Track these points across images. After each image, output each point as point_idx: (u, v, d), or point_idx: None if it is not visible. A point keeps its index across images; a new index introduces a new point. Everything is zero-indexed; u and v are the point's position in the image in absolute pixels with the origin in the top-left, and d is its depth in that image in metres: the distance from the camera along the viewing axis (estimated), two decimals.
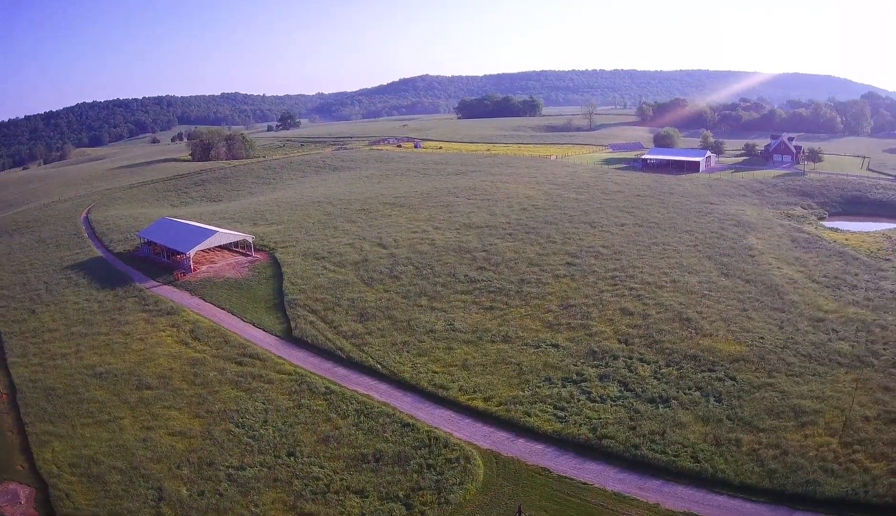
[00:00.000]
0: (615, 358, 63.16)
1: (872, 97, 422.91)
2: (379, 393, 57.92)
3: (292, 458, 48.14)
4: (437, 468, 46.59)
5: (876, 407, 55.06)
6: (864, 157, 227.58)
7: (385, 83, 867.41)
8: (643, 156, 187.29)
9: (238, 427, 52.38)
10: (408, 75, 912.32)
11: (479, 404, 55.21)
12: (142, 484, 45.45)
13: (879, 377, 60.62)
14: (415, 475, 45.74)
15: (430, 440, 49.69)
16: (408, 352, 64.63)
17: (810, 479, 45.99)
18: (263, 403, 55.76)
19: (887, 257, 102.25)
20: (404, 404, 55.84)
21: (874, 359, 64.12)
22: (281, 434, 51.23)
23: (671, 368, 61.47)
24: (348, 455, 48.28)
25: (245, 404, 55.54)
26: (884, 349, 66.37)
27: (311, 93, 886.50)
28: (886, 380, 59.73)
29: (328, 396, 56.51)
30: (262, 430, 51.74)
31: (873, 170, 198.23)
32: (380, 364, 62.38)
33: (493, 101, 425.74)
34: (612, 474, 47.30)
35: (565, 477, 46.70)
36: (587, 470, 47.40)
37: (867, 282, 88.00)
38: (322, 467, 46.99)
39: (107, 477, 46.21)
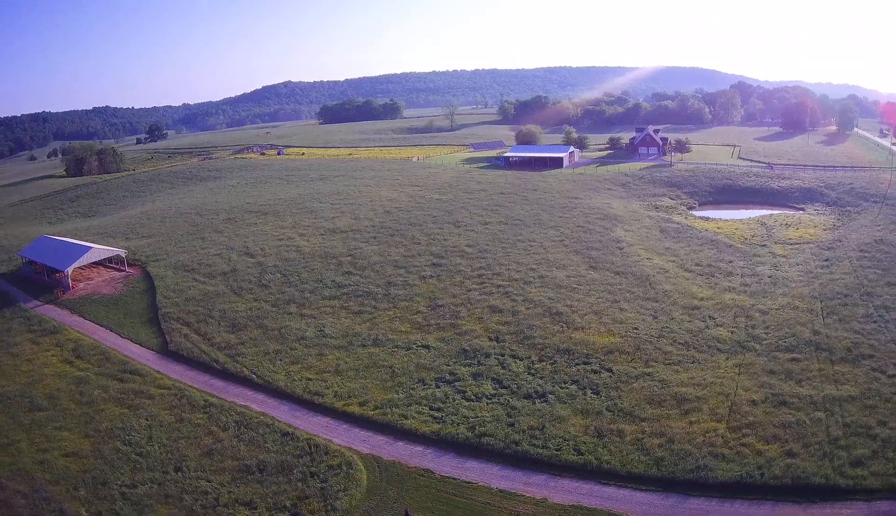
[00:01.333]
0: (487, 355, 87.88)
1: (742, 86, 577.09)
2: (256, 403, 79.67)
3: (180, 473, 65.87)
4: (321, 475, 64.23)
5: (762, 390, 79.19)
6: (735, 146, 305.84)
7: (249, 91, 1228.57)
8: (505, 154, 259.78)
9: (125, 444, 71.67)
10: (270, 82, 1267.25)
11: (356, 409, 76.31)
12: (45, 508, 61.82)
13: (763, 361, 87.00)
14: (299, 484, 62.97)
15: (310, 448, 68.50)
16: (281, 360, 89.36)
17: (700, 465, 65.18)
18: (147, 419, 76.22)
19: (762, 243, 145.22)
20: (282, 413, 76.92)
21: (756, 344, 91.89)
22: (167, 449, 70.15)
23: (545, 363, 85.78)
24: (233, 467, 66.27)
25: (130, 421, 75.99)
26: (765, 333, 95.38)
27: (178, 104, 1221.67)
28: (770, 364, 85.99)
29: (208, 409, 77.58)
30: (148, 447, 70.73)
31: (744, 158, 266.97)
32: (255, 374, 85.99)
33: (355, 105, 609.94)
34: (496, 472, 65.26)
35: (449, 478, 64.49)
36: (470, 470, 65.76)
37: (743, 268, 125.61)
38: (209, 481, 64.46)
39: (12, 501, 62.60)
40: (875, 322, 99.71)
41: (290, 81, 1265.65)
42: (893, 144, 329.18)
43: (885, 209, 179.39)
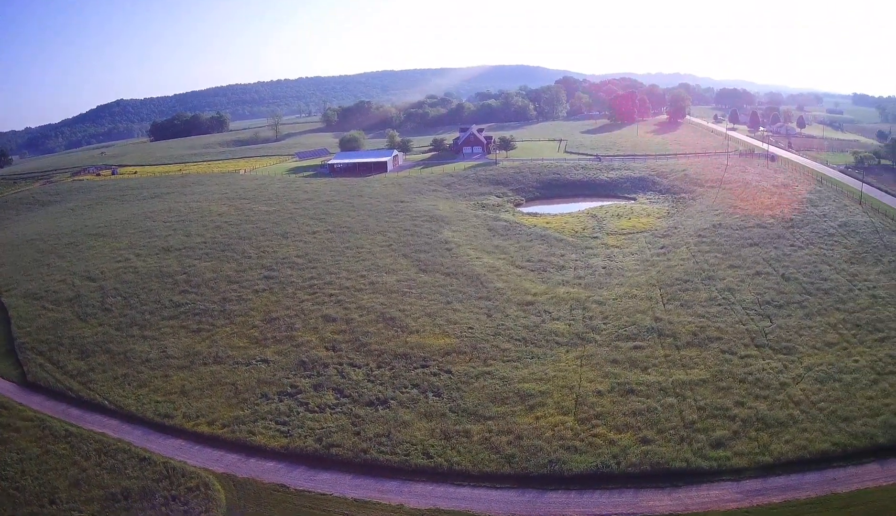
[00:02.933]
0: (326, 366, 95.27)
1: (568, 81, 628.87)
2: (112, 429, 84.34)
3: (54, 506, 69.80)
4: (181, 498, 69.25)
5: (607, 380, 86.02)
6: (561, 140, 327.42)
7: (84, 111, 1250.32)
8: (330, 162, 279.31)
9: (2, 479, 74.82)
10: (104, 102, 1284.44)
11: (205, 429, 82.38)
12: None
13: (605, 351, 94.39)
14: (163, 508, 67.81)
15: (168, 471, 73.49)
16: (129, 384, 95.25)
17: (553, 459, 70.63)
18: (17, 453, 79.92)
19: (594, 235, 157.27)
20: (137, 438, 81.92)
21: (596, 335, 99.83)
22: (39, 482, 73.95)
23: (383, 369, 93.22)
24: (100, 496, 70.76)
25: (3, 456, 79.52)
26: (604, 324, 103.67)
27: (21, 128, 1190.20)
28: (612, 354, 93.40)
29: (69, 439, 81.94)
30: (22, 481, 74.39)
31: (571, 152, 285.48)
32: (106, 400, 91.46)
33: (183, 120, 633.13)
34: (348, 481, 71.15)
35: (303, 491, 69.83)
36: (323, 482, 71.37)
37: (575, 261, 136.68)
38: (80, 512, 68.56)
39: None
40: (720, 305, 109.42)
41: (122, 99, 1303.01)
42: (729, 129, 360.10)
43: (722, 193, 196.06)
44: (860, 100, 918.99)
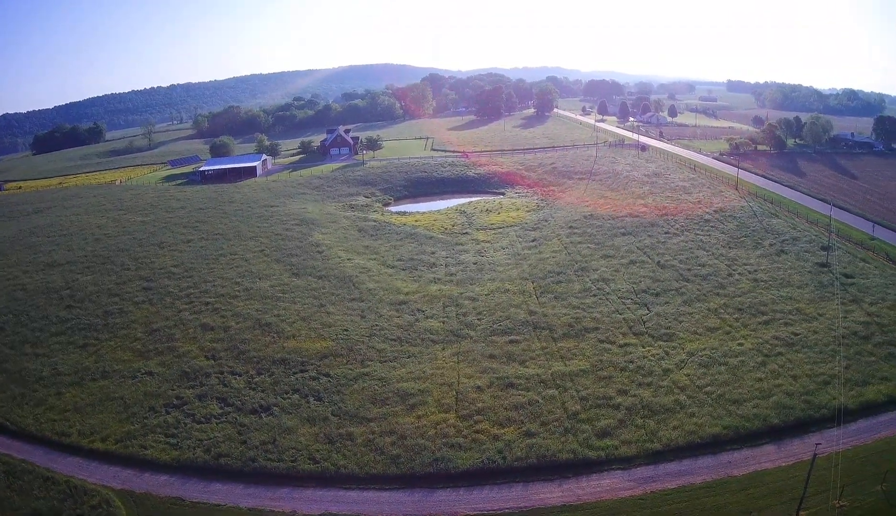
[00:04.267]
0: (207, 375, 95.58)
1: (434, 78, 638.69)
2: (16, 450, 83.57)
3: None
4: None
5: (485, 376, 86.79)
6: (428, 138, 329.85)
7: None
8: (201, 169, 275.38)
9: None
10: None
11: (100, 445, 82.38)
12: None
13: (480, 347, 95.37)
14: None
15: (70, 490, 73.73)
16: (27, 403, 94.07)
17: (438, 457, 71.28)
18: None
19: (464, 231, 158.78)
20: (39, 457, 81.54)
21: (471, 331, 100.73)
22: None
23: (263, 376, 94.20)
24: None
25: None
26: (478, 320, 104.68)
27: None
28: (489, 349, 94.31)
29: None
30: None
31: (438, 150, 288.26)
32: (7, 420, 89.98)
33: (63, 132, 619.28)
34: (240, 491, 71.87)
35: (198, 503, 70.46)
36: (215, 492, 72.03)
37: (446, 258, 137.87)
38: None
39: None
40: (595, 295, 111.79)
41: (6, 113, 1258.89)
42: (598, 121, 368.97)
43: (592, 185, 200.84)
44: (735, 86, 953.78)
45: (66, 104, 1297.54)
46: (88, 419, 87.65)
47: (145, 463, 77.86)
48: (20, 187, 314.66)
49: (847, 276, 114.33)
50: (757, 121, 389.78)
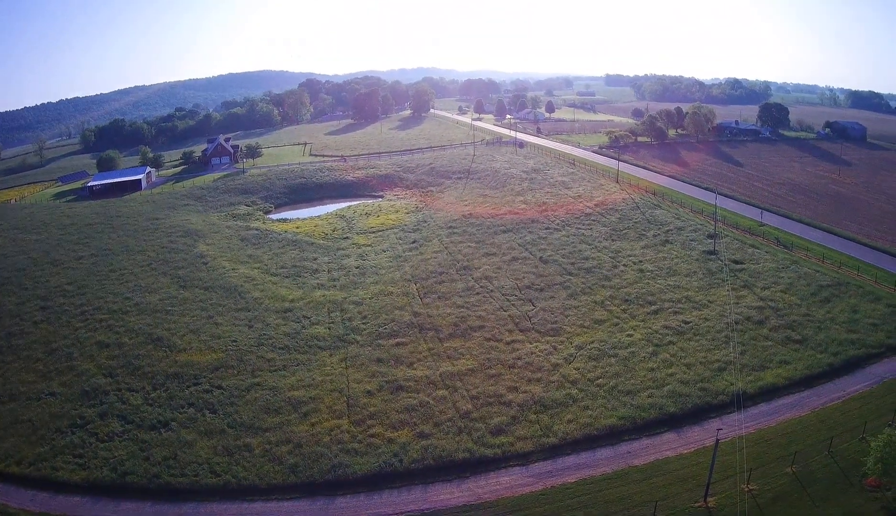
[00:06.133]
0: (106, 393, 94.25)
1: (311, 84, 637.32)
2: None
3: None
4: None
5: (374, 380, 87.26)
6: (307, 144, 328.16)
7: None
8: (89, 184, 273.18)
9: None
10: None
11: (15, 469, 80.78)
12: None
13: (367, 351, 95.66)
14: None
15: None
16: None
17: (336, 464, 71.26)
18: None
19: (345, 236, 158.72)
20: None
21: (357, 336, 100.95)
22: None
23: (159, 391, 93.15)
24: None
25: None
26: (364, 324, 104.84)
27: None
28: (376, 352, 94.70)
29: None
30: None
31: (316, 155, 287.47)
32: None
33: None
34: (148, 509, 70.93)
35: None
36: (125, 512, 71.06)
37: (328, 263, 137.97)
38: None
39: None
40: (478, 294, 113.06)
41: None
42: (475, 120, 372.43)
43: (471, 183, 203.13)
44: (613, 80, 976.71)
45: None
46: (2, 443, 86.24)
47: (58, 485, 76.88)
48: None
49: (736, 263, 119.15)
50: (637, 113, 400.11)
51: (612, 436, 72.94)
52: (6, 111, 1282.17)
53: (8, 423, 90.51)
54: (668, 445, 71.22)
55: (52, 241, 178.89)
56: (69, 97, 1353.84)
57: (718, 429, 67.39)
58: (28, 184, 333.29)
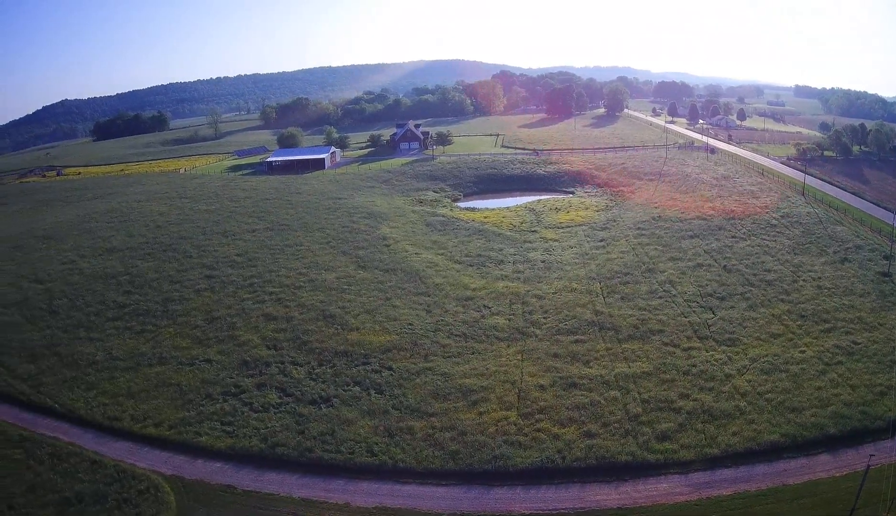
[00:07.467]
0: (268, 365, 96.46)
1: (505, 75, 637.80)
2: (63, 433, 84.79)
3: (13, 512, 69.74)
4: (133, 501, 70.04)
5: (548, 375, 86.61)
6: (498, 135, 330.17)
7: (30, 112, 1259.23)
8: (268, 159, 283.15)
9: None
10: (48, 102, 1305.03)
11: (152, 431, 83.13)
12: None
13: (545, 345, 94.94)
14: (115, 512, 68.68)
15: (118, 474, 74.55)
16: (78, 387, 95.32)
17: (497, 455, 71.11)
18: None
19: (532, 229, 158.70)
20: (87, 441, 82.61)
21: (536, 329, 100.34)
22: None
23: (324, 367, 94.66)
24: (55, 500, 70.90)
25: None
26: (544, 318, 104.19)
27: None
28: (553, 348, 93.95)
29: (23, 443, 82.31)
30: None
31: (508, 147, 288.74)
32: (57, 403, 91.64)
33: (125, 119, 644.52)
34: (294, 480, 72.08)
35: (251, 492, 70.88)
36: (269, 482, 72.38)
37: (514, 255, 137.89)
38: None
39: None
40: (661, 297, 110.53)
41: (66, 100, 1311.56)
42: (668, 123, 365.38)
43: (662, 186, 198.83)
44: (802, 91, 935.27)
45: (129, 92, 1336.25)
46: (142, 404, 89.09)
47: (199, 450, 78.80)
48: (80, 173, 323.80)
49: None
50: (823, 126, 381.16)
51: (772, 453, 70.06)
52: (176, 82, 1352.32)
53: (153, 386, 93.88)
54: (822, 466, 67.93)
55: (223, 212, 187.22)
56: (248, 73, 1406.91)
57: (871, 455, 63.81)
58: (200, 155, 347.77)
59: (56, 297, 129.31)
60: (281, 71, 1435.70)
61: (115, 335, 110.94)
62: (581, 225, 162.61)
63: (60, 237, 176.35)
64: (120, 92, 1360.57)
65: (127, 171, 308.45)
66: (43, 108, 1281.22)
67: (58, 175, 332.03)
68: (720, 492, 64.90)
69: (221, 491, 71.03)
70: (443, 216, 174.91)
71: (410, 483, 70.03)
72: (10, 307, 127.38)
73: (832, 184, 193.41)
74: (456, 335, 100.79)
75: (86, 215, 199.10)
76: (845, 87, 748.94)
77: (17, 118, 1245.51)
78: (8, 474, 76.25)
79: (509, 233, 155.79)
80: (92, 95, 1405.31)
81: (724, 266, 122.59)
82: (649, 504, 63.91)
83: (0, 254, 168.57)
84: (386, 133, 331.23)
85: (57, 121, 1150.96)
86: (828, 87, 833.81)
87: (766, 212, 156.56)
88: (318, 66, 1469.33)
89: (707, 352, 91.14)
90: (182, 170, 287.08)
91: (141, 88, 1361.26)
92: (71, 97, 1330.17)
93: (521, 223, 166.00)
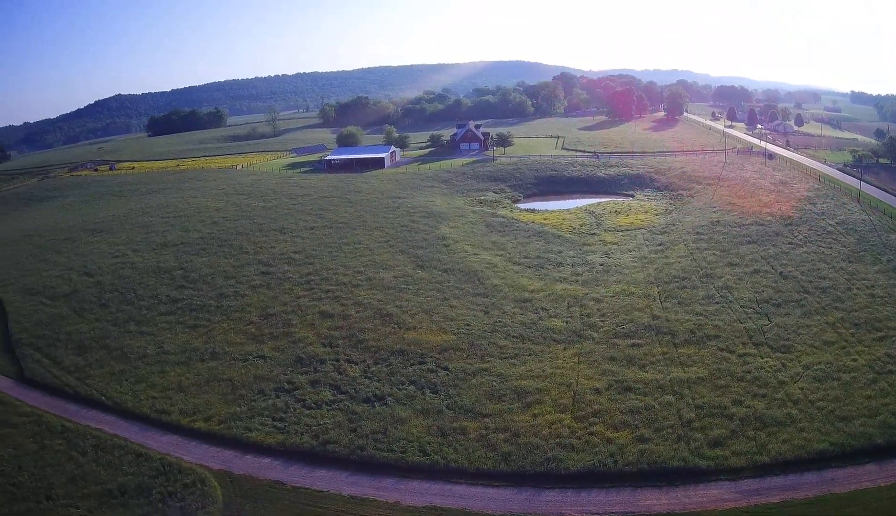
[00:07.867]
0: (322, 362, 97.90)
1: (565, 77, 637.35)
2: (109, 425, 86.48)
3: (51, 502, 71.32)
4: (178, 494, 70.81)
5: (604, 378, 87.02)
6: (559, 137, 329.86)
7: (82, 106, 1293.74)
8: (327, 158, 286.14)
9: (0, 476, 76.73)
10: (102, 96, 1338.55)
11: (201, 425, 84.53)
12: None
13: (602, 349, 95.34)
14: (160, 504, 69.34)
15: (164, 467, 75.50)
16: (126, 380, 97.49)
17: (550, 457, 71.73)
18: (14, 448, 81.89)
19: (592, 232, 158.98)
20: (133, 434, 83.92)
21: (593, 332, 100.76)
22: (35, 478, 75.68)
23: (380, 366, 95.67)
24: (97, 492, 72.08)
25: (0, 451, 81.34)
26: (601, 321, 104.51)
27: (19, 123, 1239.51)
28: (610, 351, 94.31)
29: (66, 434, 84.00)
30: (19, 477, 76.15)
31: (568, 149, 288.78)
32: (103, 396, 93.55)
33: (181, 115, 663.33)
34: (344, 478, 72.80)
35: (300, 488, 71.52)
36: (318, 478, 73.14)
37: (573, 257, 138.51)
38: (77, 508, 69.94)
39: None
40: (717, 303, 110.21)
41: (120, 94, 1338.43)
42: (727, 127, 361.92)
43: (720, 191, 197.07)
44: (858, 98, 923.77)
45: (185, 88, 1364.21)
46: (192, 398, 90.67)
47: (248, 446, 79.89)
48: (133, 168, 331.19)
49: None
50: (879, 133, 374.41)
51: (820, 461, 69.88)
52: (233, 79, 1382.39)
53: (204, 380, 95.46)
54: (869, 476, 67.51)
55: (281, 209, 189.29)
56: (307, 71, 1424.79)
57: None
58: (257, 152, 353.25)
59: (106, 291, 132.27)
60: (340, 69, 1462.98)
61: (167, 329, 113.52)
62: (640, 228, 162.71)
63: (112, 231, 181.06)
64: (175, 87, 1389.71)
65: (182, 167, 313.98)
66: (96, 102, 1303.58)
67: (110, 169, 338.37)
68: (769, 500, 64.95)
69: (270, 487, 72.01)
70: (502, 217, 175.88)
71: (461, 483, 70.74)
72: (59, 299, 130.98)
73: (887, 191, 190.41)
74: (513, 336, 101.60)
75: (139, 210, 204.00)
76: None
77: (68, 112, 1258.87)
78: (48, 465, 78.03)
79: (569, 236, 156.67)
80: (146, 90, 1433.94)
81: (781, 272, 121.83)
82: (698, 509, 64.26)
83: (50, 246, 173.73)
84: (446, 133, 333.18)
85: (111, 115, 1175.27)
86: (883, 93, 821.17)
87: (823, 219, 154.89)
88: (377, 65, 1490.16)
89: (762, 358, 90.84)
90: (239, 167, 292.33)
91: (197, 85, 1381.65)
92: (125, 92, 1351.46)
93: (581, 225, 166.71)
